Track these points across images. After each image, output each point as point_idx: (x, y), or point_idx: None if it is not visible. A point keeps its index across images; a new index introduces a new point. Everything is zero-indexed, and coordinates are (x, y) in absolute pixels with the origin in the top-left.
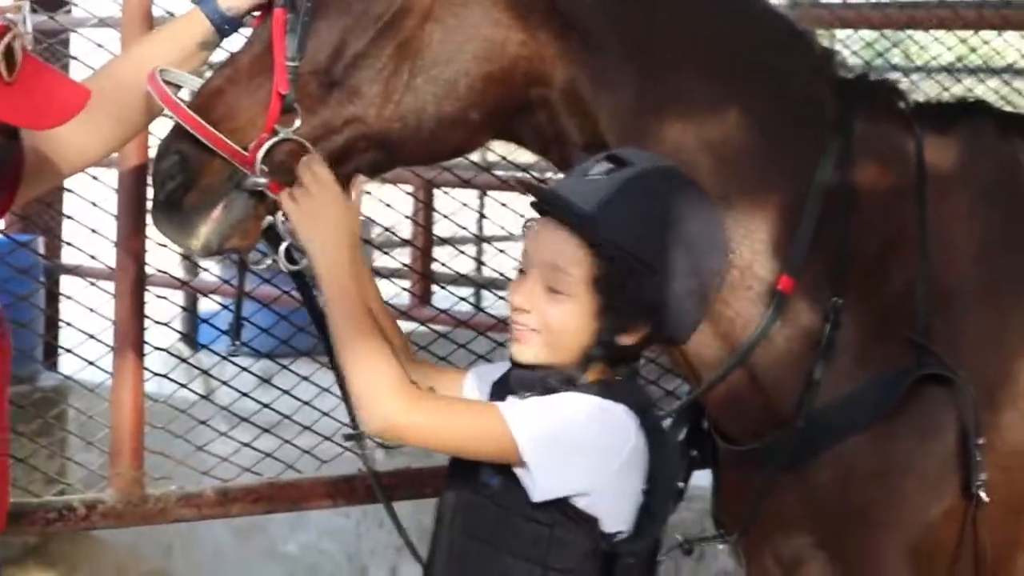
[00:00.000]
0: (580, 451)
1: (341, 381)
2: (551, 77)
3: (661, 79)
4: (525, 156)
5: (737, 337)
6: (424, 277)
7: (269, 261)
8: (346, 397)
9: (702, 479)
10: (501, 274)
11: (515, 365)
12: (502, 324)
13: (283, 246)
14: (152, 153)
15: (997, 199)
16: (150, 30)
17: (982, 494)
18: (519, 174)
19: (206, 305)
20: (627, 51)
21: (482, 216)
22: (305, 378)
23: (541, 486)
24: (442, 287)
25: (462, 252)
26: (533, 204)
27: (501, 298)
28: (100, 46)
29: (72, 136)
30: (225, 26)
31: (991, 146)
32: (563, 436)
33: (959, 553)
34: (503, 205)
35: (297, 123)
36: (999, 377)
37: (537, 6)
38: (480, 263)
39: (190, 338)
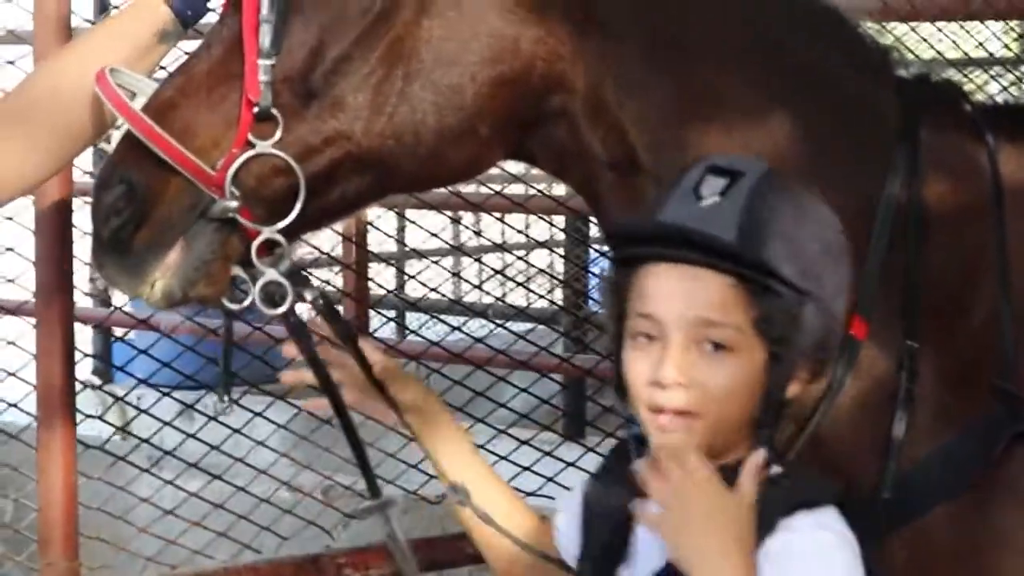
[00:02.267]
0: None
1: (359, 452)
2: (572, 81)
3: (698, 82)
4: None
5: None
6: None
7: (248, 301)
8: (363, 465)
9: None
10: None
11: None
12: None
13: (259, 283)
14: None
15: None
16: (67, 42)
17: None
18: None
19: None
20: (659, 50)
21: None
22: (282, 425)
23: None
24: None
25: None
26: (629, 247)
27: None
28: (11, 63)
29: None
30: (188, 12)
31: None
32: None
33: None
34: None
35: (278, 134)
36: None
37: None
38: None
39: (104, 371)
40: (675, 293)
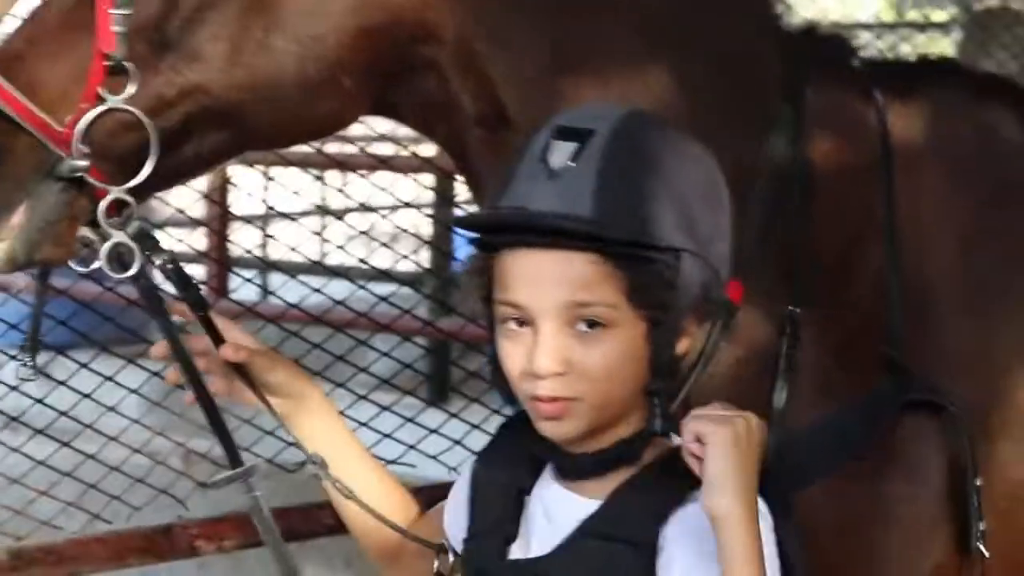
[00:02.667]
0: None
1: (218, 422)
2: (441, 31)
3: (572, 34)
4: None
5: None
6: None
7: (95, 265)
8: (222, 435)
9: None
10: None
11: (551, 453)
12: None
13: (108, 244)
14: None
15: (976, 177)
16: None
17: (982, 548)
18: None
19: None
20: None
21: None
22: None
23: None
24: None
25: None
26: (482, 234)
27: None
28: None
29: None
30: None
31: (965, 113)
32: None
33: None
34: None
35: (131, 89)
36: (990, 400)
37: None
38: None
39: None
40: (536, 279)
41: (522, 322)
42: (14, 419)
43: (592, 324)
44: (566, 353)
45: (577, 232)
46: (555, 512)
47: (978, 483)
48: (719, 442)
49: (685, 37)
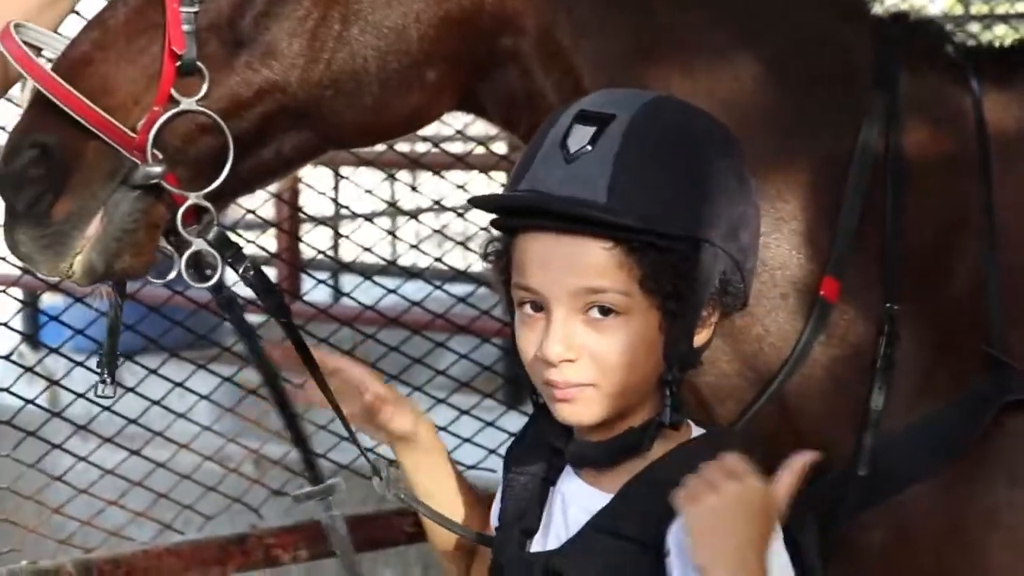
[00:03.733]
0: None
1: (297, 434)
2: (524, 20)
3: (658, 23)
4: None
5: (767, 360)
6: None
7: (173, 273)
8: (302, 447)
9: None
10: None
11: (575, 458)
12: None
13: (187, 253)
14: None
15: None
16: None
17: None
18: None
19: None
20: None
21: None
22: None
23: None
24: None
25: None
26: (500, 218)
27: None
28: None
29: None
30: None
31: None
32: None
33: None
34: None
35: (205, 89)
36: None
37: None
38: None
39: (31, 338)
40: (550, 264)
41: (537, 307)
42: (82, 427)
43: (605, 311)
44: (577, 340)
45: (588, 218)
46: (571, 504)
47: None
48: (701, 530)
49: (770, 26)
